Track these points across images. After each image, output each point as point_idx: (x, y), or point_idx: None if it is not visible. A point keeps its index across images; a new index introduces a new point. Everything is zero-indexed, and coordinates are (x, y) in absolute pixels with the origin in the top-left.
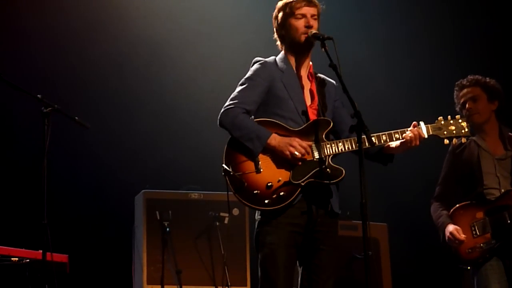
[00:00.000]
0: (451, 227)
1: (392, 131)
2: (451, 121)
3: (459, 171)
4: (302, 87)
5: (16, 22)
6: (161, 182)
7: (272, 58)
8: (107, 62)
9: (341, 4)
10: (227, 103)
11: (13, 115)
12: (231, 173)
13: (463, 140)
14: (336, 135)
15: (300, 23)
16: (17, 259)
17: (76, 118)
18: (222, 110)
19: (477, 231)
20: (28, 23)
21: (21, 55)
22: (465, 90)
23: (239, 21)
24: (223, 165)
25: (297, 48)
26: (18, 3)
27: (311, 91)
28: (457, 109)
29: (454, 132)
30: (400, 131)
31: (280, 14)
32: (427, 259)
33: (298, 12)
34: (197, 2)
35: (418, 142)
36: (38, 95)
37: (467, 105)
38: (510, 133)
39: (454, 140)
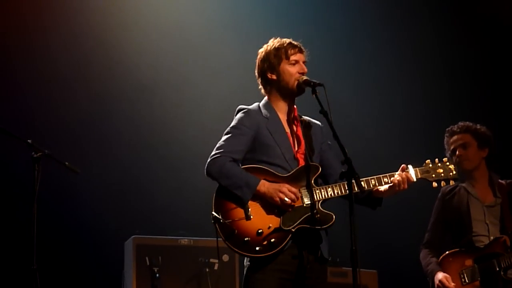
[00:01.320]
0: (440, 275)
1: (381, 175)
2: (439, 164)
3: (449, 217)
4: (288, 133)
5: (5, 68)
6: (150, 228)
7: (255, 105)
8: (96, 107)
9: (326, 48)
10: (213, 153)
11: (3, 160)
12: (221, 220)
13: (451, 183)
14: (324, 179)
15: (294, 69)
16: None
17: (67, 163)
18: (209, 159)
19: (466, 278)
20: (18, 68)
21: (11, 100)
22: (455, 137)
23: (229, 65)
24: (213, 212)
25: (288, 93)
26: (10, 50)
27: (297, 136)
28: (447, 155)
29: (442, 175)
30: (389, 175)
31: (272, 58)
32: None
33: (292, 58)
34: (188, 46)
35: (406, 186)
36: (28, 140)
37: (457, 152)
38: (499, 180)
39: (443, 183)
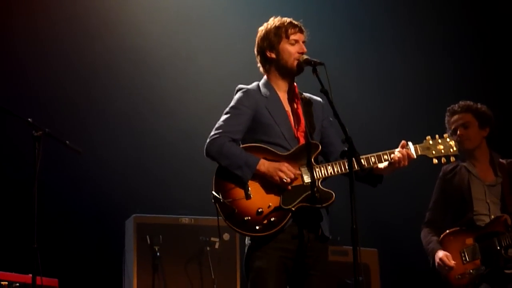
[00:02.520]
0: (441, 253)
1: (381, 153)
2: (439, 140)
3: (450, 196)
4: (288, 111)
5: (7, 46)
6: (151, 206)
7: (254, 84)
8: (98, 87)
9: (329, 28)
10: (212, 133)
11: (4, 139)
12: (221, 200)
13: (452, 159)
14: (325, 157)
15: (293, 49)
16: (6, 283)
17: (67, 142)
18: (208, 140)
19: (466, 257)
20: (19, 47)
21: (12, 79)
22: (456, 116)
23: (230, 43)
24: (213, 192)
25: (287, 72)
26: (8, 28)
27: (297, 114)
28: (448, 134)
29: (443, 151)
30: (389, 152)
31: (272, 37)
32: (417, 285)
33: (292, 37)
34: (189, 24)
35: (406, 162)
36: (28, 119)
37: (458, 132)
38: (500, 159)
39: (443, 160)
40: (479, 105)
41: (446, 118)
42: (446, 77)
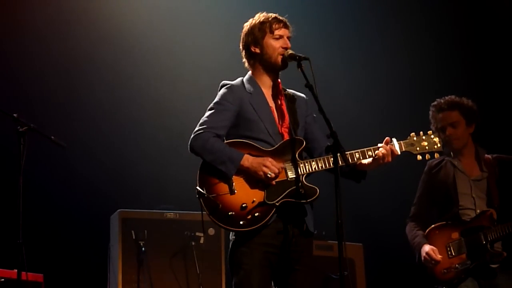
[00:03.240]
0: (427, 248)
1: (365, 149)
2: (423, 137)
3: (435, 191)
4: (272, 107)
5: None
6: (136, 201)
7: (239, 80)
8: (83, 82)
9: (314, 22)
10: (196, 128)
11: None
12: (205, 195)
13: (436, 155)
14: (309, 153)
15: (277, 43)
16: None
17: (52, 137)
18: (192, 135)
19: (452, 251)
20: (3, 43)
21: None
22: (443, 114)
23: (218, 39)
24: (197, 187)
25: (271, 67)
26: None
27: (281, 110)
28: (433, 128)
29: (427, 147)
30: (373, 148)
31: (257, 32)
32: (403, 279)
33: (277, 32)
34: (178, 16)
35: (390, 159)
36: (14, 114)
37: (447, 131)
38: (486, 155)
39: (427, 156)
40: (465, 101)
41: (431, 113)
42: (431, 71)
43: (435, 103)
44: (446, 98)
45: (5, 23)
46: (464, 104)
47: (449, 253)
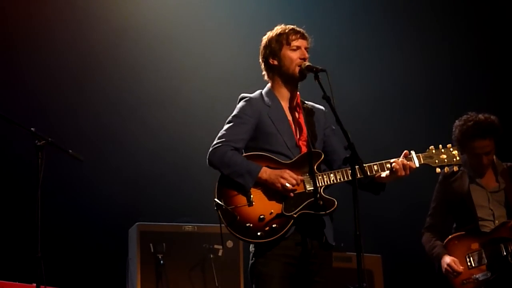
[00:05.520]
0: (448, 259)
1: (384, 161)
2: (442, 150)
3: (450, 201)
4: (290, 120)
5: (11, 56)
6: (155, 214)
7: (257, 93)
8: (101, 96)
9: (330, 33)
10: (214, 142)
11: (7, 149)
12: (223, 207)
13: (455, 168)
14: (328, 165)
15: (295, 55)
16: None
17: (70, 151)
18: (210, 149)
19: (472, 262)
20: (23, 57)
21: (15, 88)
22: (478, 143)
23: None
24: (215, 199)
25: (289, 79)
26: (13, 39)
27: (299, 123)
28: (454, 138)
29: (446, 160)
30: (392, 161)
31: (274, 44)
32: None
33: (294, 43)
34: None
35: (408, 172)
36: (31, 128)
37: (484, 160)
38: (503, 165)
39: (446, 169)
40: (496, 123)
41: (458, 134)
42: (448, 86)
43: (462, 124)
44: (478, 119)
45: (23, 38)
46: (498, 129)
47: (469, 264)
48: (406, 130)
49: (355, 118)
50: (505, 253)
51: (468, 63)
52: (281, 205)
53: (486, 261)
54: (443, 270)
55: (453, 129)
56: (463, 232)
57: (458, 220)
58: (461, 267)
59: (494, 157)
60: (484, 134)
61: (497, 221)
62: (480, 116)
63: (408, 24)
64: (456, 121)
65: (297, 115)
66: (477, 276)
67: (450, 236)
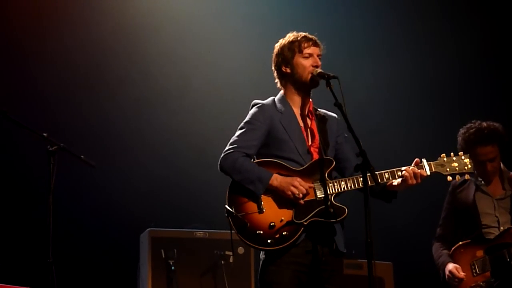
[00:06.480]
0: (450, 266)
1: (395, 169)
2: (454, 158)
3: (458, 211)
4: (302, 127)
5: (22, 62)
6: (166, 220)
7: (270, 99)
8: (112, 101)
9: (341, 40)
10: (226, 148)
11: (19, 154)
12: (234, 213)
13: (466, 177)
14: (340, 172)
15: (307, 62)
16: None
17: (82, 156)
18: (222, 155)
19: (477, 269)
20: (35, 63)
21: (27, 94)
22: (482, 150)
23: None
24: (226, 206)
25: (302, 86)
26: (24, 46)
27: (311, 130)
28: (459, 147)
29: (457, 168)
30: (403, 169)
31: (286, 52)
32: None
33: (306, 51)
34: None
35: (419, 180)
36: (44, 134)
37: (488, 167)
38: (510, 173)
39: (457, 177)
40: (500, 130)
41: (462, 142)
42: (457, 94)
43: (465, 132)
44: (480, 126)
45: (35, 44)
46: (499, 135)
47: (474, 271)
48: (418, 138)
49: (367, 125)
50: (508, 259)
51: (483, 69)
52: (292, 212)
53: (490, 267)
54: (446, 277)
55: (458, 138)
56: (469, 241)
57: (464, 228)
58: (463, 274)
59: (502, 164)
60: (486, 141)
61: (502, 228)
62: (483, 123)
63: (421, 27)
64: (460, 129)
65: (309, 122)
66: (481, 283)
67: (456, 245)
